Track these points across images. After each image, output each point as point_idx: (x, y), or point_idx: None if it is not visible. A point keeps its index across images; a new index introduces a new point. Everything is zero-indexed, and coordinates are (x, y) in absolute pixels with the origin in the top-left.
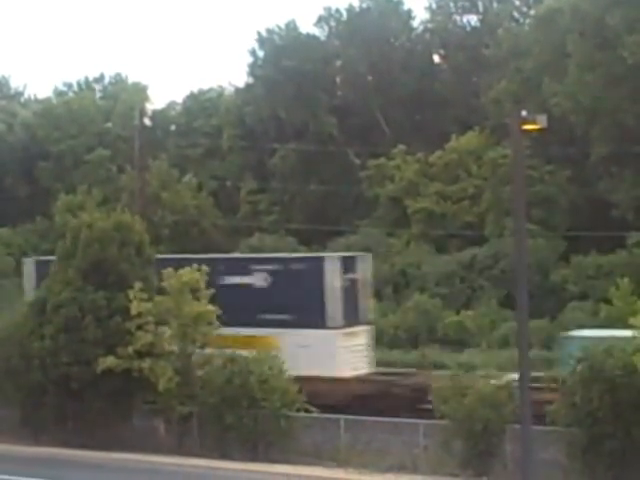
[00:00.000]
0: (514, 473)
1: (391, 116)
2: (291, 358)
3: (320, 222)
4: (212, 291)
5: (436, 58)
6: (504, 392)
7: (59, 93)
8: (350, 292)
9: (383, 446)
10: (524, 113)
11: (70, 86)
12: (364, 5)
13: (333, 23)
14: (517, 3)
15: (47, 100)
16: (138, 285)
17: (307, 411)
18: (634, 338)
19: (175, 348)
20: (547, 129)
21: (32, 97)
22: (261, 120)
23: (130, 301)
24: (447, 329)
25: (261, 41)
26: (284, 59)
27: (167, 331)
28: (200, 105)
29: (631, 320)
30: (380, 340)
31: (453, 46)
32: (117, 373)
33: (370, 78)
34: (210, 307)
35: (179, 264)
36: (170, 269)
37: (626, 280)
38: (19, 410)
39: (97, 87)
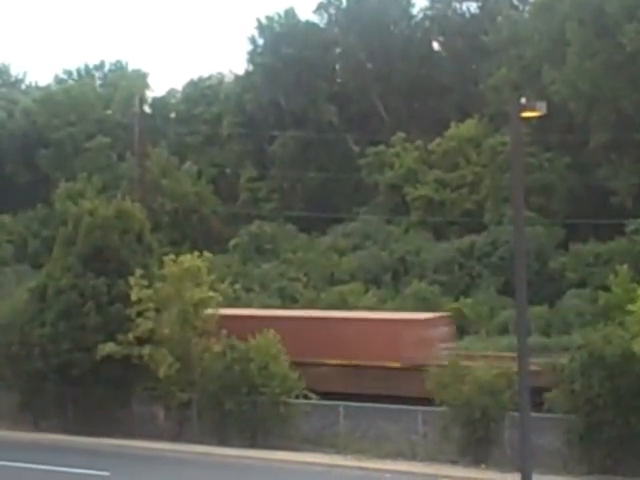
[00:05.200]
0: (512, 460)
1: (390, 103)
2: None
3: (320, 209)
4: None
5: (435, 45)
6: (502, 379)
7: (59, 80)
8: None
9: (382, 433)
10: (523, 100)
11: (70, 74)
12: None
13: (332, 11)
14: None
15: (47, 87)
16: (139, 272)
17: (306, 397)
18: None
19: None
20: (546, 116)
21: (32, 84)
22: (261, 107)
23: (131, 288)
24: None
25: (261, 29)
26: (284, 47)
27: (167, 316)
28: (200, 92)
29: (629, 306)
30: None
31: (452, 33)
32: (117, 360)
33: (369, 65)
34: (211, 293)
35: None
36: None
37: (625, 267)
38: (19, 396)
39: (97, 74)
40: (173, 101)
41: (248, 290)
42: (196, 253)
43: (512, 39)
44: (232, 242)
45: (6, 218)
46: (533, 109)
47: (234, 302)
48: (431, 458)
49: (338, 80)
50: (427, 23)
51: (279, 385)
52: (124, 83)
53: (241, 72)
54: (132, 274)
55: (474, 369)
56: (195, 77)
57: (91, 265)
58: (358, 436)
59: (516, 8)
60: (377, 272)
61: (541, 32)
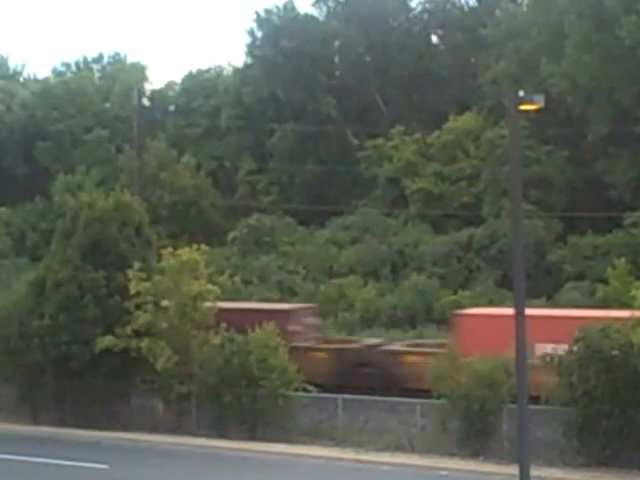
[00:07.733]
0: (510, 452)
1: (389, 96)
2: None
3: (318, 202)
4: None
5: (434, 38)
6: (501, 371)
7: (58, 73)
8: None
9: (380, 425)
10: (521, 93)
11: (69, 66)
12: None
13: (331, 3)
14: None
15: (46, 80)
16: (137, 265)
17: (305, 390)
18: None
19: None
20: (544, 109)
21: (31, 77)
22: (259, 100)
23: (129, 280)
24: (444, 309)
25: (259, 21)
26: (282, 39)
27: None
28: (199, 85)
29: (633, 291)
30: (377, 320)
31: (451, 26)
32: (116, 352)
33: (368, 59)
34: (209, 286)
35: None
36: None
37: (623, 260)
38: (18, 389)
39: (96, 67)
40: (172, 94)
41: (247, 283)
42: (194, 246)
43: (510, 32)
44: (231, 235)
45: (4, 211)
46: (531, 102)
47: (233, 295)
48: (429, 451)
49: (337, 73)
50: (426, 16)
51: (278, 378)
52: (123, 76)
53: (240, 65)
54: (131, 267)
55: (472, 361)
56: (194, 70)
57: (90, 258)
58: (356, 428)
59: (514, 1)
60: (376, 265)
61: (539, 25)
